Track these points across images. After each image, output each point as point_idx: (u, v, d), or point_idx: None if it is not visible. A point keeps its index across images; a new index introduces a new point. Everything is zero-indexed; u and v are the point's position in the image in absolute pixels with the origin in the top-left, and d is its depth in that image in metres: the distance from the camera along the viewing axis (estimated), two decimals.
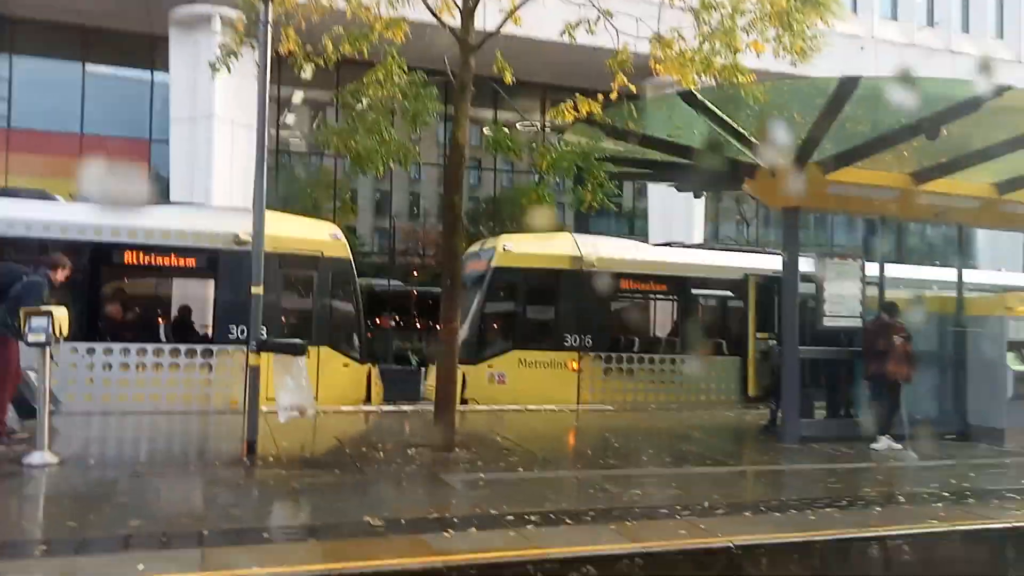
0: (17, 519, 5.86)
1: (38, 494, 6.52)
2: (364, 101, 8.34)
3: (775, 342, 10.91)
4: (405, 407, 11.13)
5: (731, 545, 5.30)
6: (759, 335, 12.40)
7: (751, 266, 13.47)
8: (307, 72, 8.49)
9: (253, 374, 7.83)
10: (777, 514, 6.21)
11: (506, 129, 10.48)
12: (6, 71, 18.15)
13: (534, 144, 10.05)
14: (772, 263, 11.93)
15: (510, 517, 5.69)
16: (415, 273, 22.80)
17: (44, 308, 7.13)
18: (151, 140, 18.28)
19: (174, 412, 10.08)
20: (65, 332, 7.28)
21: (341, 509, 6.15)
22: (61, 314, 7.16)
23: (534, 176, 19.03)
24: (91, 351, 9.92)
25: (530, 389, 11.50)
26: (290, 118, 18.06)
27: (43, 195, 11.01)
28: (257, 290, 7.86)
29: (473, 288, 12.07)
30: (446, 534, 5.34)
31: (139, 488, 6.84)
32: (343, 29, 8.28)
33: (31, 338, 6.98)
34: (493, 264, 12.34)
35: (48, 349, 7.06)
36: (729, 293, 13.81)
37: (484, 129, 14.68)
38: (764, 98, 8.30)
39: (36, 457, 6.93)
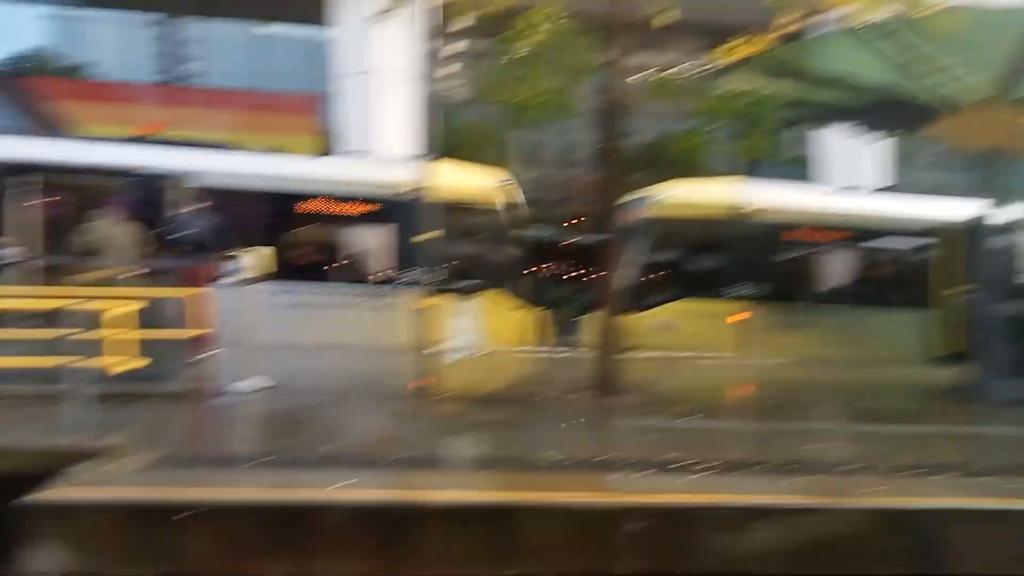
0: (236, 436, 6.59)
1: (252, 416, 7.26)
2: (520, 50, 8.33)
3: (966, 295, 10.04)
4: (569, 352, 11.32)
5: (922, 508, 5.04)
6: (948, 289, 11.45)
7: (937, 214, 12.42)
8: (466, 22, 8.59)
9: (427, 315, 8.22)
10: (976, 479, 5.79)
11: (667, 73, 10.14)
12: (200, 34, 19.72)
13: (696, 88, 9.70)
14: (962, 210, 10.93)
15: (683, 463, 5.70)
16: (573, 221, 22.87)
17: (246, 250, 7.83)
18: (323, 94, 19.33)
19: (355, 349, 10.77)
20: (262, 273, 7.99)
21: (514, 444, 6.42)
22: (264, 254, 7.84)
23: (698, 121, 18.53)
24: (284, 290, 10.77)
25: (696, 339, 11.34)
26: (451, 68, 18.43)
27: (236, 147, 11.97)
28: (429, 235, 8.20)
29: (637, 236, 11.96)
30: (622, 475, 5.44)
31: (334, 414, 7.47)
32: None
33: (236, 276, 7.71)
34: (657, 212, 12.15)
35: (249, 287, 7.78)
36: (912, 242, 12.83)
37: (644, 74, 14.18)
38: (954, 29, 7.46)
39: (248, 383, 7.71)
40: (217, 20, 19.31)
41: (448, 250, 11.21)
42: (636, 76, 9.58)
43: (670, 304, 11.83)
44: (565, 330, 12.83)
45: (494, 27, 8.76)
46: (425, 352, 8.21)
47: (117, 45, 19.97)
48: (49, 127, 17.44)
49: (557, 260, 21.29)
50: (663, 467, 5.58)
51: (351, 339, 10.88)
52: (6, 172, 10.39)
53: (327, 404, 7.87)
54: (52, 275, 9.95)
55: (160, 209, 10.62)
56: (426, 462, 5.76)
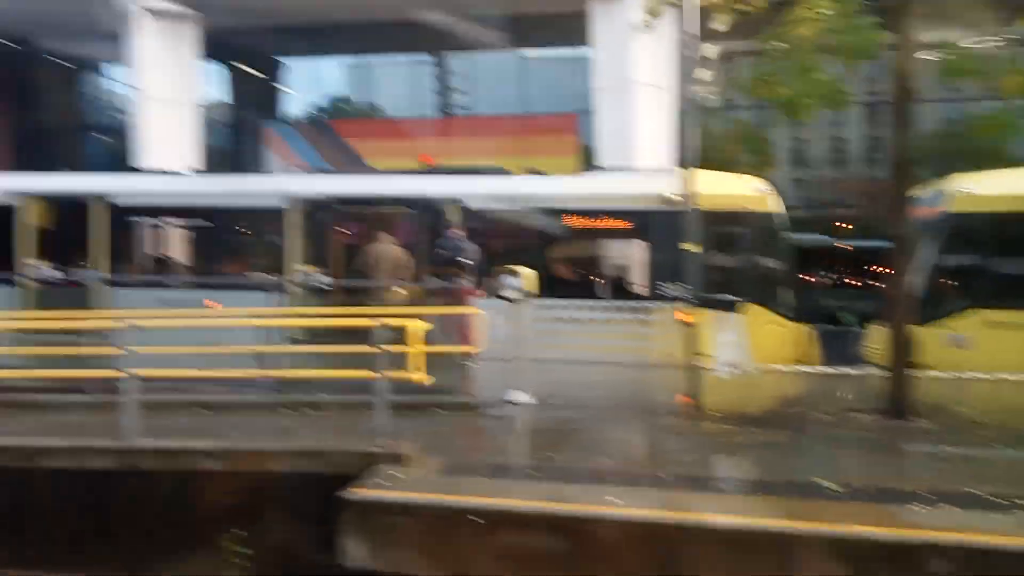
0: (508, 448, 6.98)
1: (522, 428, 7.65)
2: (789, 43, 7.86)
3: None
4: (843, 370, 10.46)
5: None
6: None
7: None
8: (727, 22, 8.31)
9: (690, 329, 8.08)
10: None
11: (967, 48, 8.89)
12: (465, 66, 21.35)
13: (1003, 64, 8.43)
14: None
15: (994, 498, 4.99)
16: (842, 225, 21.21)
17: (515, 268, 8.29)
18: (578, 112, 19.94)
19: (615, 363, 10.91)
20: (533, 290, 8.41)
21: (788, 468, 6.07)
22: (528, 272, 8.26)
23: (996, 103, 16.19)
24: (546, 306, 11.25)
25: (1000, 355, 9.82)
26: (706, 73, 18.04)
27: (500, 171, 12.74)
28: (690, 247, 8.06)
29: (922, 238, 10.71)
30: (914, 507, 4.92)
31: (597, 429, 7.62)
32: None
33: (503, 293, 8.19)
34: (948, 210, 10.79)
35: (519, 303, 8.22)
36: None
37: (930, 54, 12.57)
38: None
39: (516, 396, 8.14)
40: (484, 52, 20.80)
41: (710, 262, 10.94)
42: (928, 55, 8.57)
43: (966, 315, 10.41)
44: (839, 345, 11.86)
45: (755, 26, 8.40)
46: (689, 368, 8.07)
47: (400, 85, 22.29)
48: (349, 164, 19.95)
49: (827, 268, 19.82)
50: (970, 501, 4.95)
51: (613, 354, 11.03)
52: (315, 207, 12.01)
53: (593, 419, 8.04)
54: (350, 296, 11.38)
55: (434, 233, 11.63)
56: (695, 482, 5.65)
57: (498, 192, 11.81)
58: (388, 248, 11.18)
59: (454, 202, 11.67)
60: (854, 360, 11.11)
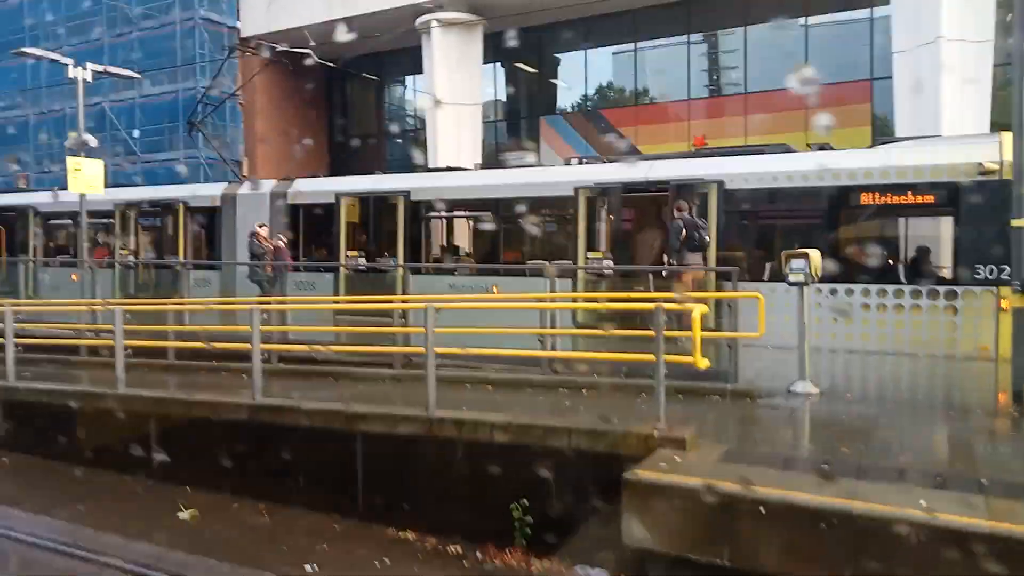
0: (793, 439, 6.61)
1: (805, 420, 7.20)
2: None
3: None
4: None
5: None
6: None
7: None
8: None
9: (1018, 317, 7.00)
10: None
11: None
12: (739, 43, 20.40)
13: None
14: None
15: None
16: None
17: (801, 251, 7.79)
18: (872, 79, 18.11)
19: (915, 355, 9.83)
20: (818, 273, 7.85)
21: None
22: (815, 256, 7.72)
23: None
24: (833, 291, 10.43)
25: None
26: None
27: (786, 149, 11.98)
28: (1019, 223, 6.97)
29: None
30: None
31: (898, 425, 6.92)
32: None
33: (791, 278, 7.73)
34: None
35: (805, 288, 7.71)
36: None
37: None
38: None
39: (799, 386, 7.67)
40: (756, 24, 19.77)
41: None
42: None
43: None
44: None
45: None
46: (1015, 360, 7.01)
47: (666, 69, 21.96)
48: (623, 151, 20.18)
49: None
50: None
51: (912, 344, 9.95)
52: (595, 194, 12.30)
53: (890, 414, 7.32)
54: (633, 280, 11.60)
55: (705, 216, 11.33)
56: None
57: (781, 170, 11.14)
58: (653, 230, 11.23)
59: (726, 183, 11.27)
60: None
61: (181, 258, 16.16)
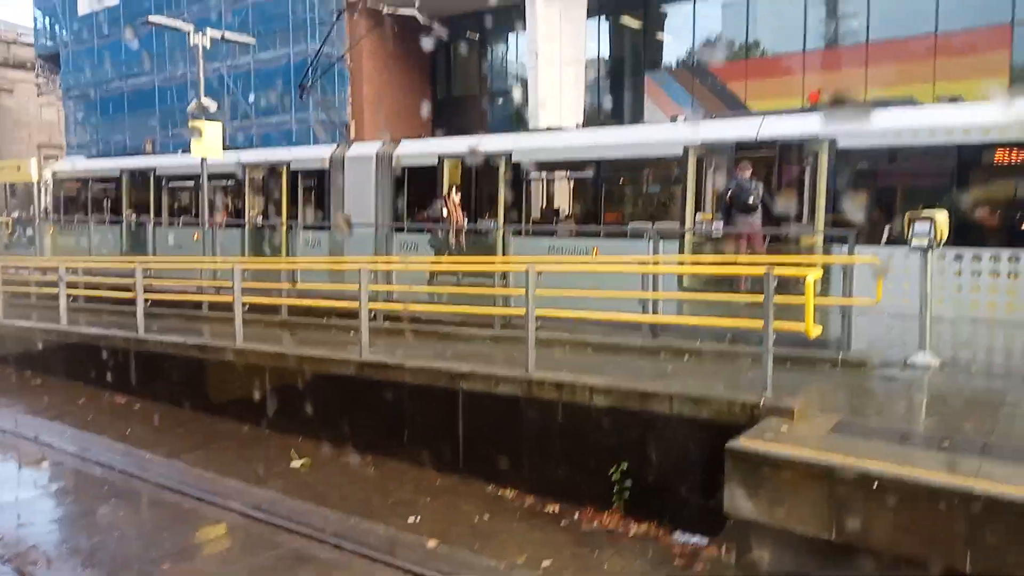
0: (910, 413, 6.27)
1: (924, 392, 6.81)
2: None
3: None
4: None
5: None
6: None
7: None
8: None
9: None
10: None
11: None
12: None
13: None
14: None
15: None
16: None
17: (926, 213, 7.29)
18: (1013, 24, 16.54)
19: None
20: (944, 237, 7.34)
21: None
22: (941, 219, 7.21)
23: None
24: (958, 257, 9.76)
25: None
26: None
27: (910, 102, 11.18)
28: None
29: None
30: None
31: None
32: None
33: (915, 242, 7.26)
34: None
35: (929, 253, 7.23)
36: None
37: None
38: None
39: (919, 356, 7.26)
40: None
41: None
42: None
43: None
44: None
45: None
46: None
47: (779, 19, 20.83)
48: (733, 106, 19.43)
49: None
50: None
51: None
52: (705, 153, 11.91)
53: (1016, 388, 6.82)
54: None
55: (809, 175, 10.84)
56: None
57: (904, 126, 10.43)
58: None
59: (832, 142, 10.66)
60: None
61: (291, 219, 16.84)
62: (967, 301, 9.78)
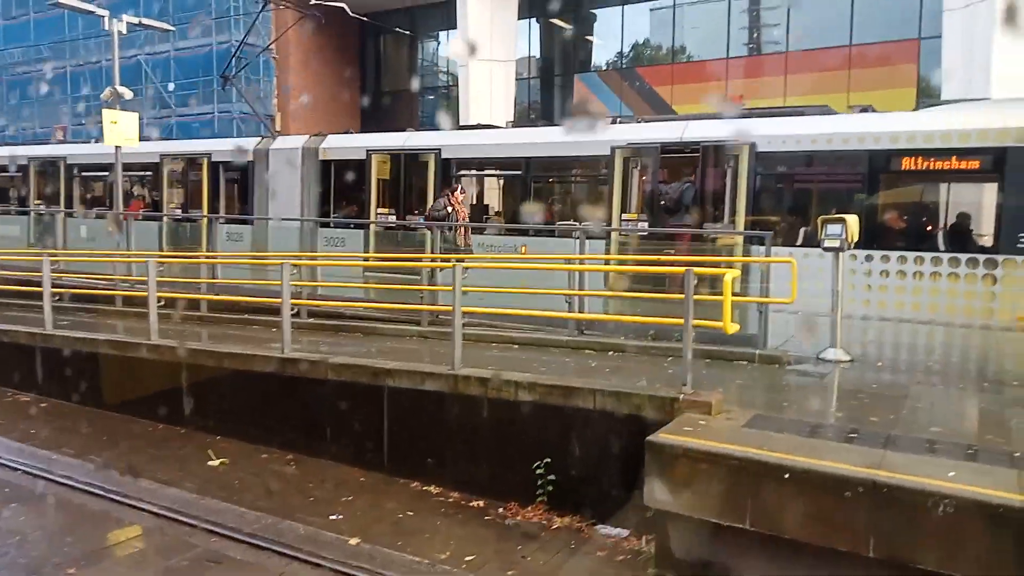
0: (821, 407, 6.53)
1: (834, 387, 7.10)
2: None
3: None
4: None
5: None
6: None
7: None
8: None
9: None
10: None
11: None
12: (782, 0, 19.78)
13: None
14: None
15: None
16: None
17: (837, 216, 7.61)
18: (920, 38, 17.46)
19: (950, 324, 9.63)
20: (855, 239, 7.67)
21: None
22: (852, 221, 7.53)
23: None
24: (868, 258, 10.21)
25: None
26: None
27: (823, 110, 11.64)
28: None
29: None
30: None
31: (928, 396, 6.81)
32: None
33: (827, 243, 7.57)
34: None
35: (840, 254, 7.55)
36: None
37: None
38: None
39: (830, 353, 7.57)
40: None
41: None
42: None
43: None
44: None
45: None
46: None
47: (705, 27, 21.39)
48: (659, 110, 19.81)
49: None
50: None
51: (947, 313, 9.74)
52: (631, 154, 12.10)
53: (922, 384, 7.20)
54: (658, 243, 11.43)
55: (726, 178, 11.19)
56: None
57: (819, 132, 10.84)
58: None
59: (752, 146, 11.00)
60: None
61: (212, 211, 16.32)
62: (876, 300, 10.24)
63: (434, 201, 12.85)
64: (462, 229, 12.23)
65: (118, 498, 6.56)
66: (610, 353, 8.20)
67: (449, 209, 12.08)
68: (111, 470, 7.42)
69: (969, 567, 4.22)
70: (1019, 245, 9.39)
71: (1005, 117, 9.85)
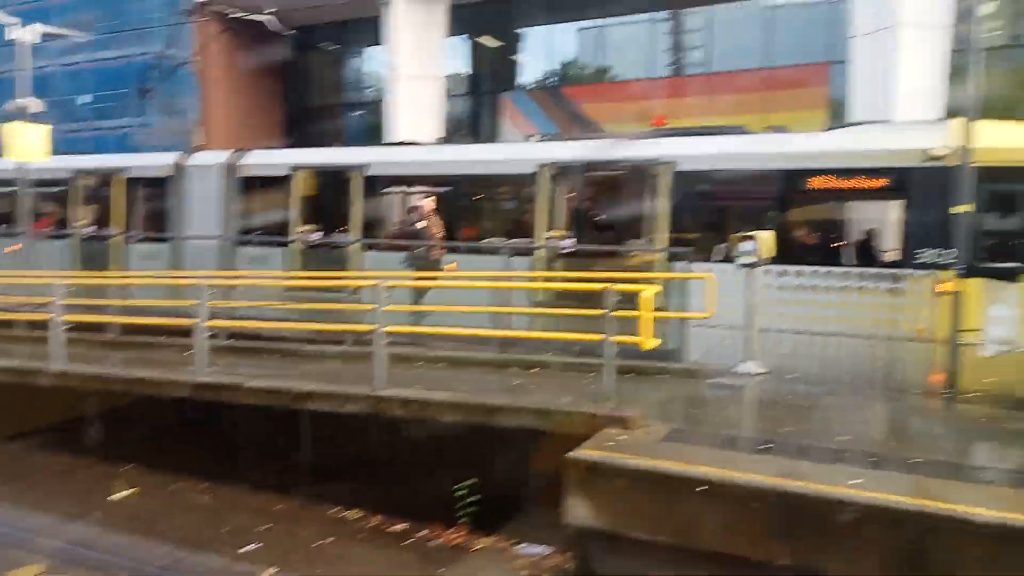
0: (737, 418, 6.69)
1: (750, 399, 7.28)
2: None
3: None
4: None
5: None
6: None
7: None
8: None
9: (953, 301, 7.14)
10: None
11: None
12: (702, 22, 20.40)
13: None
14: None
15: None
16: None
17: (751, 232, 7.83)
18: (831, 63, 18.22)
19: (858, 336, 10.00)
20: (769, 255, 7.91)
21: None
22: (766, 238, 7.77)
23: None
24: (782, 273, 10.53)
25: None
26: (990, 6, 15.65)
27: (739, 130, 11.99)
28: (963, 209, 7.09)
29: None
30: None
31: (836, 405, 7.05)
32: None
33: (741, 260, 7.78)
34: None
35: (753, 270, 7.77)
36: None
37: None
38: None
39: (746, 366, 7.76)
40: (724, 4, 19.80)
41: (985, 225, 9.62)
42: None
43: None
44: None
45: None
46: (948, 343, 7.17)
47: (630, 47, 21.88)
48: (585, 129, 20.07)
49: None
50: None
51: (856, 326, 10.12)
52: (557, 172, 12.20)
53: (831, 394, 7.45)
54: (582, 259, 11.53)
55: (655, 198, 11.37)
56: (950, 469, 5.03)
57: (735, 152, 11.17)
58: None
59: (672, 165, 11.26)
60: None
61: (129, 230, 15.71)
62: (790, 314, 10.56)
63: (406, 215, 12.54)
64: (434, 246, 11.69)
65: (14, 536, 6.20)
66: (535, 370, 8.21)
67: (421, 225, 11.64)
68: (7, 506, 7.01)
69: (872, 569, 4.37)
70: (919, 260, 9.84)
71: (909, 138, 10.34)
